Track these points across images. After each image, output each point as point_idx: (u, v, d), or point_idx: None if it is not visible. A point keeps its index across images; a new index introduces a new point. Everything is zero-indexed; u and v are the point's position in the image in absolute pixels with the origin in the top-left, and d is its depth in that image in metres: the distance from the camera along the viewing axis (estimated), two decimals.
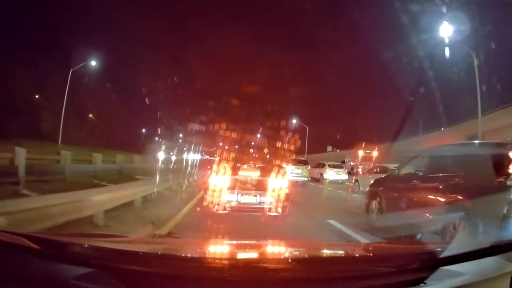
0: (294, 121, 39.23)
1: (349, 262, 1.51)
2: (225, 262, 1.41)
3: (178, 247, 2.08)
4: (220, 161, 7.06)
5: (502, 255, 1.52)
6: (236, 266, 1.34)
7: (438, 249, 1.63)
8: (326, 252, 1.97)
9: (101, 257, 1.30)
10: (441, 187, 4.70)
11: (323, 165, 20.68)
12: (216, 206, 6.04)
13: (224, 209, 6.07)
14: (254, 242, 2.71)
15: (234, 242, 2.49)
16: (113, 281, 1.20)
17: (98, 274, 1.22)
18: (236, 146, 10.24)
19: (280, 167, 6.93)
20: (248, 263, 1.40)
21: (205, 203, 6.38)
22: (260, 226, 5.89)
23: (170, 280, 1.22)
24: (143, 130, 47.13)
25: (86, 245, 1.41)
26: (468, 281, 1.36)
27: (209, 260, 1.48)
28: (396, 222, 5.12)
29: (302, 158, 21.12)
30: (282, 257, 1.78)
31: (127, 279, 1.20)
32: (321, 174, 19.94)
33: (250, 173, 6.58)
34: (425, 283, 1.32)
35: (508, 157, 3.91)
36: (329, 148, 44.39)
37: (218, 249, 2.03)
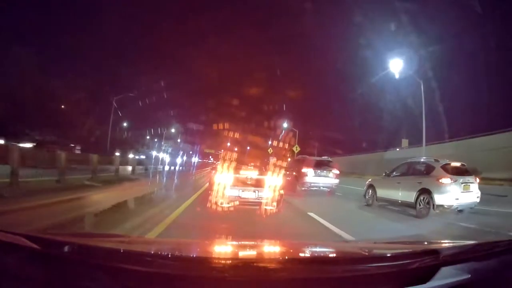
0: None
1: (349, 262, 1.51)
2: (225, 262, 1.41)
3: (178, 247, 2.09)
4: (224, 163, 7.59)
5: (502, 255, 1.52)
6: (235, 266, 1.34)
7: (439, 249, 1.63)
8: (326, 252, 1.96)
9: (101, 257, 1.30)
10: None
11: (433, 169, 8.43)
12: (220, 200, 6.77)
13: (228, 202, 6.82)
14: (254, 242, 2.72)
15: (234, 242, 2.50)
16: (113, 281, 1.20)
17: (98, 274, 1.23)
18: (248, 147, 10.02)
19: (280, 167, 7.37)
20: (247, 263, 1.40)
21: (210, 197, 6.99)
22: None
23: (170, 280, 1.22)
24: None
25: (86, 245, 1.42)
26: (468, 281, 1.36)
27: (209, 260, 1.48)
28: None
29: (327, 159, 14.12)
30: (282, 257, 1.78)
31: (127, 279, 1.20)
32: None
33: (250, 173, 7.25)
34: (426, 283, 1.32)
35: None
36: (405, 142, 26.29)
37: (218, 249, 2.04)
